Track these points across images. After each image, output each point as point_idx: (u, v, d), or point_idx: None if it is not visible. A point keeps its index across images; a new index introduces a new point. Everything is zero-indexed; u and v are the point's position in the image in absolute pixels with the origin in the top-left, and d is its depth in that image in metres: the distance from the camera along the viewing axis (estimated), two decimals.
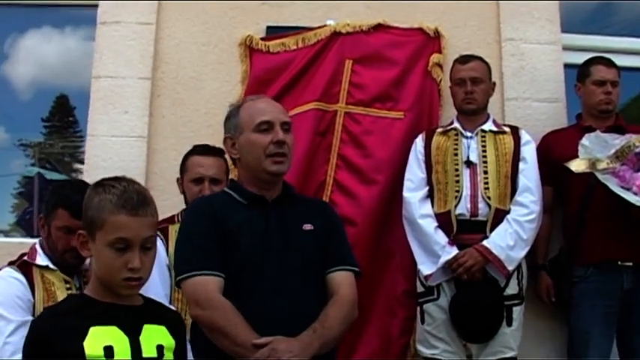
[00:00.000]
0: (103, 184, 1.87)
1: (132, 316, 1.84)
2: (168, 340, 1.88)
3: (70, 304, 1.92)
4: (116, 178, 1.90)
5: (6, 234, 4.07)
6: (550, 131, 3.52)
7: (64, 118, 4.40)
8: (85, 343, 1.73)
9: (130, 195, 1.82)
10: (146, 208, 1.84)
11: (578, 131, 3.36)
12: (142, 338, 1.82)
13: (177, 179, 3.06)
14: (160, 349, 1.84)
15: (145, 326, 1.85)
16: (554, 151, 3.37)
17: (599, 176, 3.12)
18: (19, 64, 4.24)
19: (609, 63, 3.44)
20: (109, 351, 1.75)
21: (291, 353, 2.00)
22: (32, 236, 3.81)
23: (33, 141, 4.33)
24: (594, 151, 3.18)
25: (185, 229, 2.29)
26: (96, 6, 3.77)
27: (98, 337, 1.76)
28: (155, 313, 1.93)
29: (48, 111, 4.35)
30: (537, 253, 3.37)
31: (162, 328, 1.89)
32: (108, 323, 1.79)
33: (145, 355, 1.80)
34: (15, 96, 4.22)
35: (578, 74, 3.52)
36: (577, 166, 3.18)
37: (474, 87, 3.29)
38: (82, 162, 4.22)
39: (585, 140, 3.22)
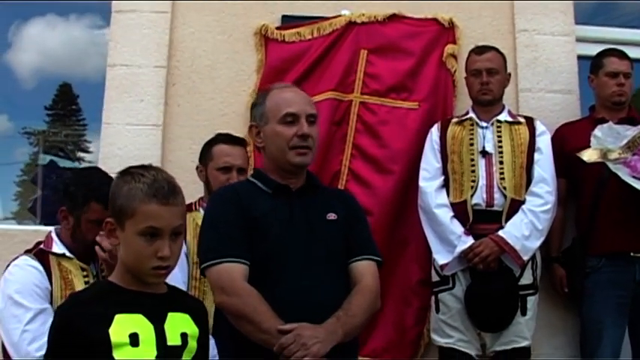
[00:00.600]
0: (131, 172, 1.86)
1: (157, 304, 1.84)
2: (192, 328, 1.88)
3: (95, 291, 1.93)
4: (143, 167, 1.88)
5: (19, 222, 4.07)
6: (563, 123, 3.53)
7: (68, 106, 4.39)
8: (111, 330, 1.73)
9: (161, 184, 1.81)
10: (176, 197, 1.84)
11: (591, 123, 3.37)
12: (166, 326, 1.82)
13: (197, 167, 3.04)
14: (184, 337, 1.84)
15: (170, 314, 1.85)
16: (568, 143, 3.38)
17: (611, 166, 3.15)
18: (23, 52, 4.23)
19: (622, 55, 3.44)
20: (134, 338, 1.75)
21: (317, 339, 2.00)
22: (36, 223, 3.83)
23: (37, 129, 4.32)
24: (606, 142, 3.20)
25: (210, 217, 2.27)
26: None
27: (123, 325, 1.75)
28: (179, 301, 1.93)
29: (51, 99, 4.34)
30: (550, 246, 3.38)
31: (186, 316, 1.89)
32: (133, 311, 1.79)
33: (169, 343, 1.80)
34: (19, 84, 4.22)
35: (591, 66, 3.53)
36: (589, 155, 3.20)
37: (490, 78, 3.30)
38: (85, 150, 4.28)
39: (598, 131, 3.24)
